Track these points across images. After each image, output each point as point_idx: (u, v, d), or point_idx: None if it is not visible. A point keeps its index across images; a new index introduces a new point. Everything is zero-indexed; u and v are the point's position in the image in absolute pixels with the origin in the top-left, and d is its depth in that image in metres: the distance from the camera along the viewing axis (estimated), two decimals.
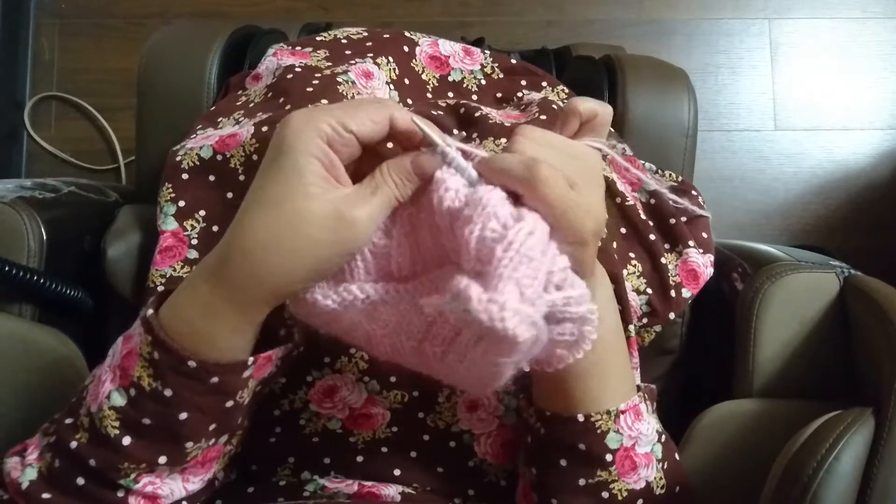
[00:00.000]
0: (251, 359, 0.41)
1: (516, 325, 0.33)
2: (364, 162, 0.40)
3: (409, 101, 0.69)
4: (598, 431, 0.46)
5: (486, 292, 0.34)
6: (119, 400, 0.40)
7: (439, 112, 0.65)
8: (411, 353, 0.41)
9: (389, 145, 0.42)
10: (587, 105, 0.44)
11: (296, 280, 0.38)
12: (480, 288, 0.34)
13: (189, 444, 0.42)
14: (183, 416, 0.40)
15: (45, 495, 0.41)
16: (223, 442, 0.45)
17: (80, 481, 0.41)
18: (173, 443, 0.41)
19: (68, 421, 0.42)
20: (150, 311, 0.40)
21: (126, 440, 0.40)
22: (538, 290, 0.35)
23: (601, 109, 0.45)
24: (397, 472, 0.54)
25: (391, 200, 0.39)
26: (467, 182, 0.37)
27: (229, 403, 0.42)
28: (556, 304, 0.36)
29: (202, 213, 0.60)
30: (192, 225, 0.60)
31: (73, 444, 0.41)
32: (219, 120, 0.68)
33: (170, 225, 0.60)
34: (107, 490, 0.41)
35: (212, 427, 0.42)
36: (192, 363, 0.39)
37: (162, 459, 0.41)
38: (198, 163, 0.62)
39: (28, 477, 0.42)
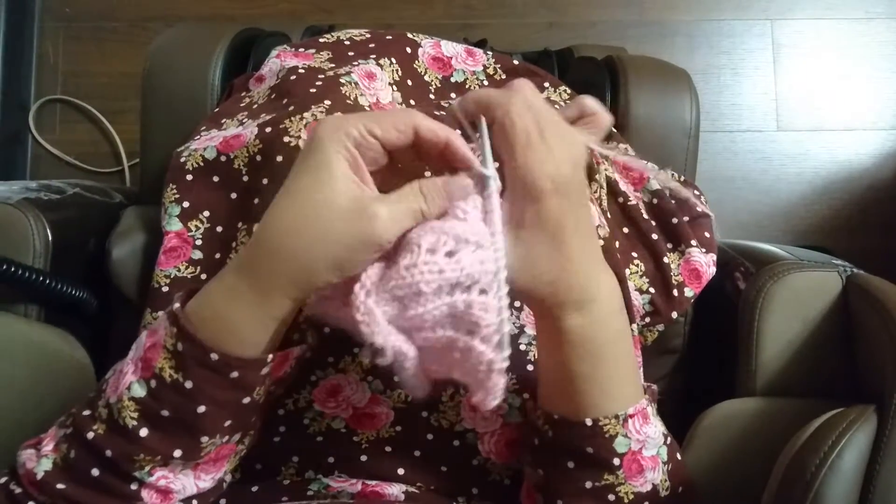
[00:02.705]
0: (270, 356, 0.42)
1: (361, 323, 0.38)
2: (387, 179, 0.42)
3: (412, 102, 0.70)
4: (607, 436, 0.46)
5: (371, 284, 0.39)
6: (139, 391, 0.41)
7: (442, 113, 0.66)
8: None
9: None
10: (590, 102, 0.47)
11: (315, 269, 0.39)
12: (375, 277, 0.40)
13: (204, 439, 0.42)
14: (201, 409, 0.41)
15: (60, 485, 0.42)
16: (236, 440, 0.45)
17: (95, 472, 0.42)
18: (189, 436, 0.42)
19: (86, 413, 0.43)
20: (177, 305, 0.42)
21: (143, 431, 0.41)
22: (425, 316, 0.38)
23: (601, 113, 0.48)
24: (401, 472, 0.54)
25: (416, 212, 0.40)
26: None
27: (246, 400, 0.42)
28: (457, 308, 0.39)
29: (206, 213, 0.61)
30: (196, 226, 0.60)
31: (90, 435, 0.42)
32: (223, 121, 0.69)
33: (174, 226, 0.61)
34: (121, 481, 0.42)
35: (227, 423, 0.43)
36: (214, 356, 0.40)
37: (177, 453, 0.42)
38: (202, 164, 0.62)
39: (43, 467, 0.42)
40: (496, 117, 0.40)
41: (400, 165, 0.43)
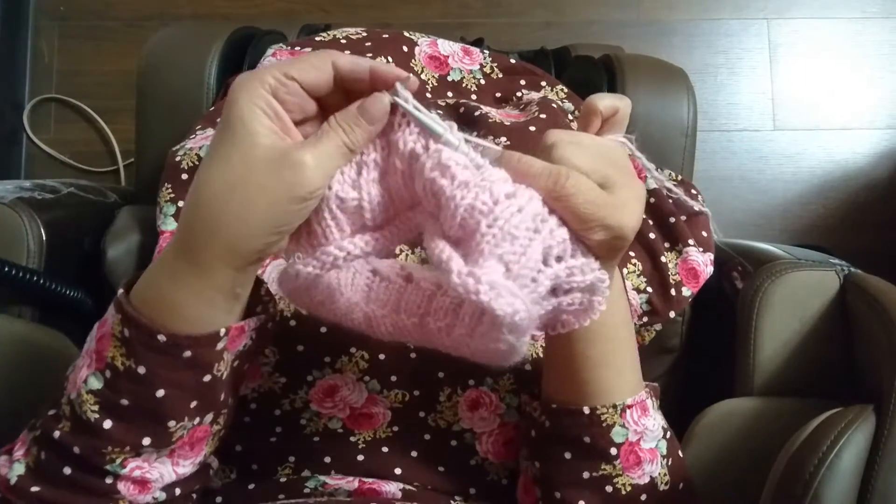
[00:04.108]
0: (223, 330, 0.40)
1: (492, 300, 0.33)
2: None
3: None
4: (604, 425, 0.46)
5: (467, 265, 0.34)
6: (96, 383, 0.40)
7: (439, 112, 0.65)
8: (414, 329, 0.41)
9: None
10: (606, 102, 0.43)
11: (251, 234, 0.37)
12: (462, 261, 0.34)
13: (171, 423, 0.41)
14: (160, 393, 0.40)
15: (35, 488, 0.41)
16: (209, 421, 0.44)
17: (67, 470, 0.41)
18: (155, 423, 0.41)
19: (51, 412, 0.42)
20: (121, 291, 0.40)
21: (107, 423, 0.40)
22: (529, 266, 0.35)
23: (621, 104, 0.44)
24: (398, 472, 0.54)
25: (340, 147, 0.38)
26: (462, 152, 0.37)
27: (207, 378, 0.41)
28: (559, 276, 0.36)
29: None
30: None
31: (57, 434, 0.41)
32: (218, 120, 0.68)
33: (169, 225, 0.60)
34: (94, 477, 0.41)
35: (193, 404, 0.41)
36: (161, 337, 0.38)
37: (146, 441, 0.41)
38: (197, 163, 0.62)
39: (16, 472, 0.42)
40: (553, 204, 0.36)
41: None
